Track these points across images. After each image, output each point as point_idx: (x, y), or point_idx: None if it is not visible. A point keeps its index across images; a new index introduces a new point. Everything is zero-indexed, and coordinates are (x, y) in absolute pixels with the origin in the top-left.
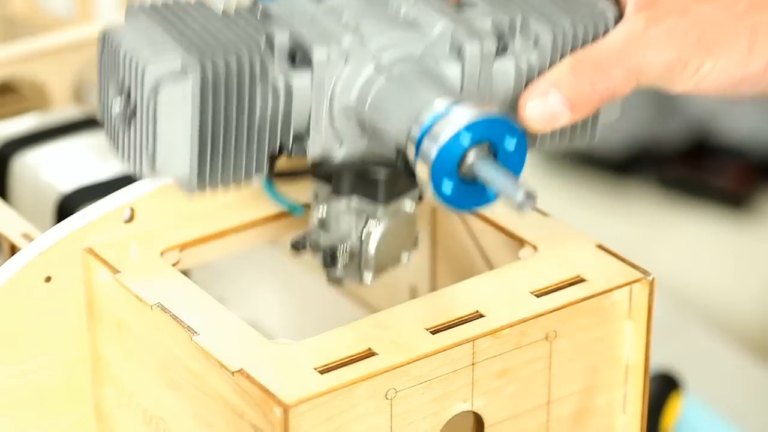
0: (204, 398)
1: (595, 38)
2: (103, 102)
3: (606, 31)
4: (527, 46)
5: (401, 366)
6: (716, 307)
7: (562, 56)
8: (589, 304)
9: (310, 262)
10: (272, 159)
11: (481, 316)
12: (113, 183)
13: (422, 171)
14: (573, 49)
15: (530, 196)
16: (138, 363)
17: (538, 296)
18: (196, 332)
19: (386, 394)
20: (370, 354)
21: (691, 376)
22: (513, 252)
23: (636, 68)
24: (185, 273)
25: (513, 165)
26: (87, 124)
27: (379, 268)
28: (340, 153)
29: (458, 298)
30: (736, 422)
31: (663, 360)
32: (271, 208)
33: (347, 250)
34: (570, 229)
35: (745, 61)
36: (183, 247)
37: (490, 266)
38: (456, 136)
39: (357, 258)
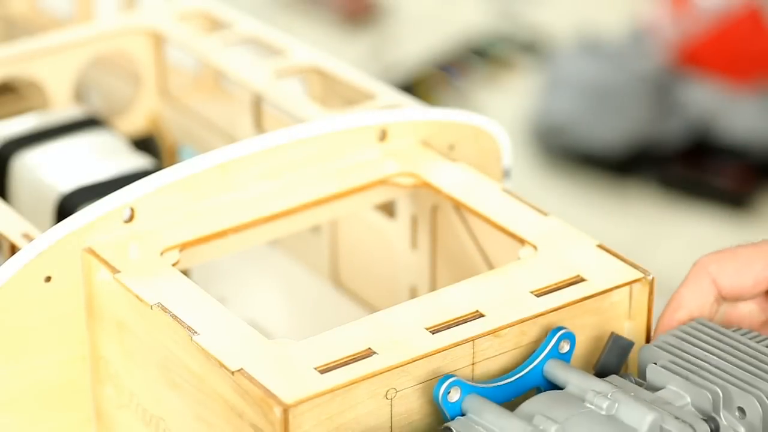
0: (204, 398)
1: None
2: None
3: None
4: (734, 421)
5: (401, 366)
6: None
7: None
8: (589, 303)
9: (310, 261)
10: None
11: (482, 315)
12: (113, 183)
13: None
14: None
15: None
16: (138, 363)
17: (538, 296)
18: (196, 332)
19: (386, 393)
20: (370, 354)
21: None
22: (513, 251)
23: None
24: (185, 273)
25: None
26: (87, 123)
27: None
28: None
29: (458, 297)
30: None
31: None
32: (272, 207)
33: None
34: (570, 229)
35: None
36: (183, 247)
37: (490, 266)
38: None
39: None
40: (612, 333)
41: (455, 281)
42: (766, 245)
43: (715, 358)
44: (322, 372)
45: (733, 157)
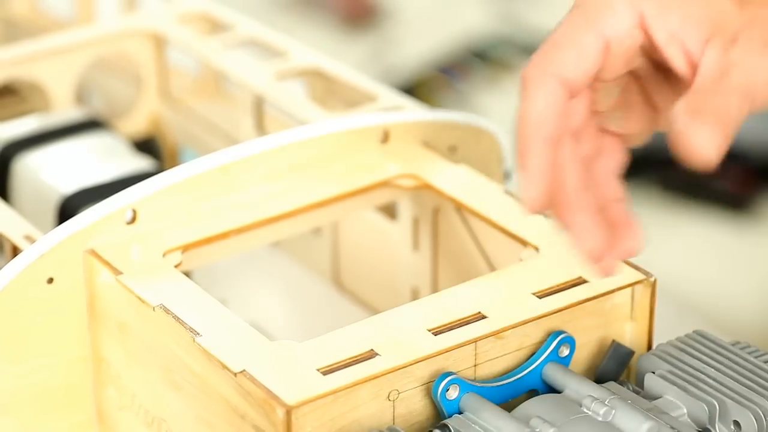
0: (206, 399)
1: None
2: None
3: None
4: None
5: (403, 367)
6: (717, 310)
7: None
8: (591, 305)
9: (312, 263)
10: None
11: (483, 317)
12: (115, 184)
13: None
14: None
15: None
16: (140, 364)
17: (540, 297)
18: (198, 333)
19: (389, 395)
20: (372, 355)
21: None
22: (515, 253)
23: None
24: (187, 274)
25: None
26: (88, 125)
27: None
28: None
29: (460, 299)
30: None
31: None
32: (273, 209)
33: None
34: None
35: None
36: (185, 249)
37: (492, 267)
38: None
39: None
40: (613, 341)
41: (457, 283)
42: None
43: (713, 370)
44: (325, 373)
45: (734, 159)
